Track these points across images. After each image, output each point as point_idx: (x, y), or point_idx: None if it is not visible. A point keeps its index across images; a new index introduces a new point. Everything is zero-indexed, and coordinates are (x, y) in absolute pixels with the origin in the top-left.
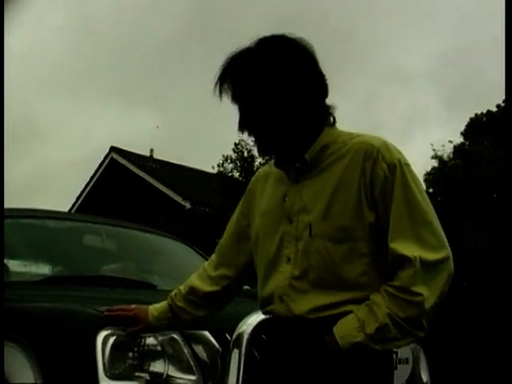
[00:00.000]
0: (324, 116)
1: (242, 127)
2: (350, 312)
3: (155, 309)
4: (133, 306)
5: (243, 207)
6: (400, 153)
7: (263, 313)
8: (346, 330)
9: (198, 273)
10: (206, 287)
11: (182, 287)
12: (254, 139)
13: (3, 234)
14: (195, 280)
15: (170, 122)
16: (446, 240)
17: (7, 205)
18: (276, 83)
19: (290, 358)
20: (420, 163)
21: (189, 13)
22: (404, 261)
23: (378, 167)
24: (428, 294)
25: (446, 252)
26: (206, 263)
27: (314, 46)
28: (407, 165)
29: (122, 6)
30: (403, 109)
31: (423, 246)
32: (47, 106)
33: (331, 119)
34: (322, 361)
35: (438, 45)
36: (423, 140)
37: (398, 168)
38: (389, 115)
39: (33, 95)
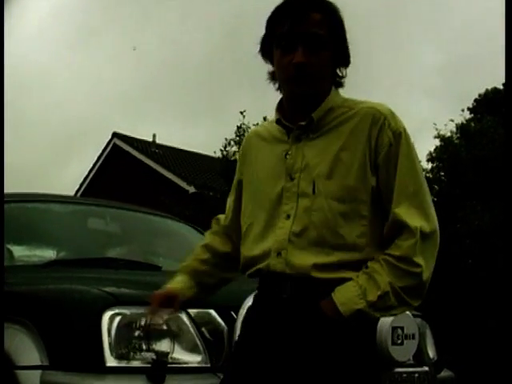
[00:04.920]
0: (336, 81)
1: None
2: (348, 279)
3: (177, 283)
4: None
5: (240, 169)
6: (403, 123)
7: (250, 273)
8: (347, 296)
9: (209, 235)
10: (225, 246)
11: (197, 254)
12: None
13: (3, 227)
14: (212, 242)
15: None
16: (434, 213)
17: None
18: (342, 29)
19: (282, 323)
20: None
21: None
22: (404, 229)
23: (384, 134)
24: (425, 265)
25: (436, 223)
26: (214, 226)
27: None
28: (409, 135)
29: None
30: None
31: (423, 216)
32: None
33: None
34: (318, 327)
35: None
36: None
37: (403, 137)
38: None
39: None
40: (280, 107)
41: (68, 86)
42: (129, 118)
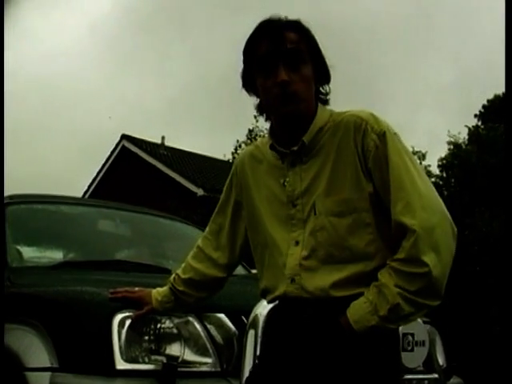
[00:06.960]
0: (322, 99)
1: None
2: (363, 294)
3: (158, 293)
4: (136, 289)
5: (235, 189)
6: (387, 123)
7: (269, 301)
8: (360, 314)
9: (194, 255)
10: (207, 270)
11: (179, 271)
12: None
13: (4, 227)
14: (194, 263)
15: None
16: (441, 203)
17: None
18: (318, 45)
19: (303, 340)
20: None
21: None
22: (405, 229)
23: (368, 138)
24: (435, 259)
25: (443, 209)
26: (201, 244)
27: None
28: (396, 134)
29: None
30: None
31: (425, 208)
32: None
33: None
34: (338, 342)
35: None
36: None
37: (387, 136)
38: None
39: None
40: (272, 132)
41: (93, 98)
42: (138, 119)
